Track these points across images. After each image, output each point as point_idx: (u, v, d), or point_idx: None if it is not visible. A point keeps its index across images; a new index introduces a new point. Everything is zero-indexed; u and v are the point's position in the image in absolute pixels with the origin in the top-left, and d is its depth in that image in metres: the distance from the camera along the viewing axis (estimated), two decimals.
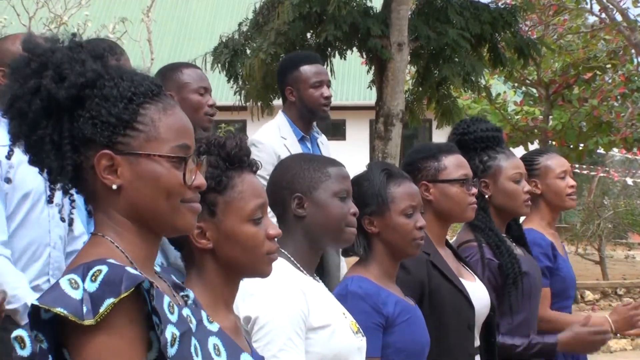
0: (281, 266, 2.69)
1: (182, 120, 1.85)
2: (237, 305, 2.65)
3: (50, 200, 1.83)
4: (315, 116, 4.73)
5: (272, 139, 4.64)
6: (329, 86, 4.74)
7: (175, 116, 1.83)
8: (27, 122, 1.77)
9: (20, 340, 1.70)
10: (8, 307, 3.34)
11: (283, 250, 2.75)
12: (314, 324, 2.63)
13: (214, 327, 1.93)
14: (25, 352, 1.70)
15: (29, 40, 1.80)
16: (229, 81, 11.33)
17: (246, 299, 2.62)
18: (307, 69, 4.70)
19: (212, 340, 1.89)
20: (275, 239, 2.23)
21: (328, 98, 4.71)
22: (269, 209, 3.15)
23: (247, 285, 2.62)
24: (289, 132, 4.69)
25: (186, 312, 1.82)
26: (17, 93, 1.77)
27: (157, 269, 1.93)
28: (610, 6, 14.85)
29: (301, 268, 2.74)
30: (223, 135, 2.24)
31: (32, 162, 1.82)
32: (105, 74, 1.79)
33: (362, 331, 2.81)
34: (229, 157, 2.20)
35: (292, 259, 2.74)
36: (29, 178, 3.50)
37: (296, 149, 4.63)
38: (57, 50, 1.79)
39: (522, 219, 4.24)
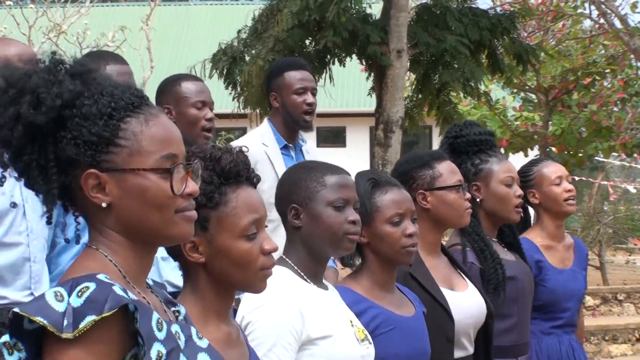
0: (283, 276, 2.70)
1: (165, 129, 1.83)
2: (238, 311, 2.66)
3: (49, 222, 1.83)
4: (297, 124, 4.62)
5: (252, 145, 4.59)
6: (314, 94, 4.64)
7: (158, 126, 1.81)
8: (12, 150, 1.76)
9: (9, 346, 1.70)
10: None
11: (288, 260, 2.76)
12: (313, 335, 2.63)
13: (204, 343, 1.92)
14: (13, 358, 1.70)
15: (6, 67, 1.79)
16: (227, 88, 11.33)
17: (244, 305, 2.64)
18: (291, 75, 4.62)
19: (201, 357, 1.88)
20: (272, 254, 2.21)
21: (311, 105, 4.59)
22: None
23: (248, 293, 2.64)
24: (272, 140, 4.61)
25: (175, 328, 1.82)
26: None
27: (150, 282, 1.93)
28: (609, 12, 14.85)
29: (305, 277, 2.74)
30: (220, 149, 2.23)
31: (27, 185, 1.81)
32: (84, 92, 1.78)
33: (369, 339, 2.81)
34: (223, 172, 2.18)
35: (296, 268, 2.75)
36: (7, 193, 3.49)
37: (277, 157, 4.56)
38: (33, 74, 1.77)
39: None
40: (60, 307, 1.66)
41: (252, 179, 2.25)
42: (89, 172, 1.76)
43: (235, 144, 4.62)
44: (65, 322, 1.65)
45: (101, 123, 1.76)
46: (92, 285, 1.68)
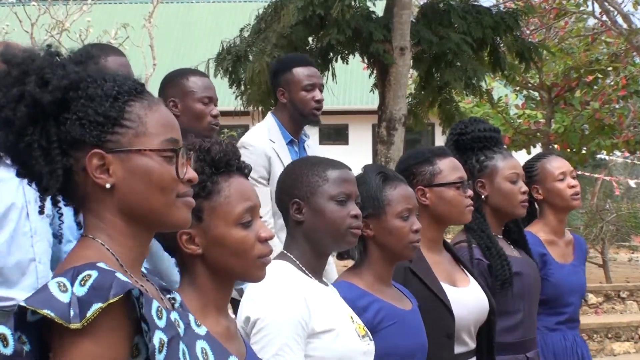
0: (286, 270, 2.70)
1: (167, 115, 1.86)
2: (240, 307, 2.66)
3: (41, 212, 1.83)
4: (305, 120, 4.67)
5: (262, 141, 4.60)
6: (321, 90, 4.69)
7: (161, 112, 1.84)
8: (14, 130, 1.77)
9: (3, 338, 1.68)
10: None
11: (289, 254, 2.76)
12: (317, 329, 2.63)
13: (202, 330, 1.93)
14: (8, 350, 1.68)
15: (6, 51, 1.81)
16: (231, 87, 11.33)
17: (248, 301, 2.63)
18: (299, 71, 4.66)
19: (200, 344, 1.89)
20: (269, 242, 2.21)
21: (319, 102, 4.65)
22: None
23: (250, 289, 2.63)
24: (278, 136, 4.65)
25: (174, 316, 1.82)
26: (0, 103, 1.77)
27: (144, 270, 1.93)
28: (612, 9, 14.84)
29: (307, 272, 2.75)
30: (209, 141, 2.23)
31: (20, 173, 1.81)
32: (87, 77, 1.80)
33: (369, 335, 2.81)
34: (214, 162, 2.19)
35: (297, 262, 2.75)
36: (9, 193, 3.50)
37: (284, 152, 4.59)
38: (36, 56, 1.79)
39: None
40: (64, 297, 1.66)
41: (243, 169, 2.25)
42: (94, 152, 1.77)
43: (243, 140, 4.64)
44: (72, 313, 1.65)
45: (107, 104, 1.78)
46: (94, 273, 1.68)
